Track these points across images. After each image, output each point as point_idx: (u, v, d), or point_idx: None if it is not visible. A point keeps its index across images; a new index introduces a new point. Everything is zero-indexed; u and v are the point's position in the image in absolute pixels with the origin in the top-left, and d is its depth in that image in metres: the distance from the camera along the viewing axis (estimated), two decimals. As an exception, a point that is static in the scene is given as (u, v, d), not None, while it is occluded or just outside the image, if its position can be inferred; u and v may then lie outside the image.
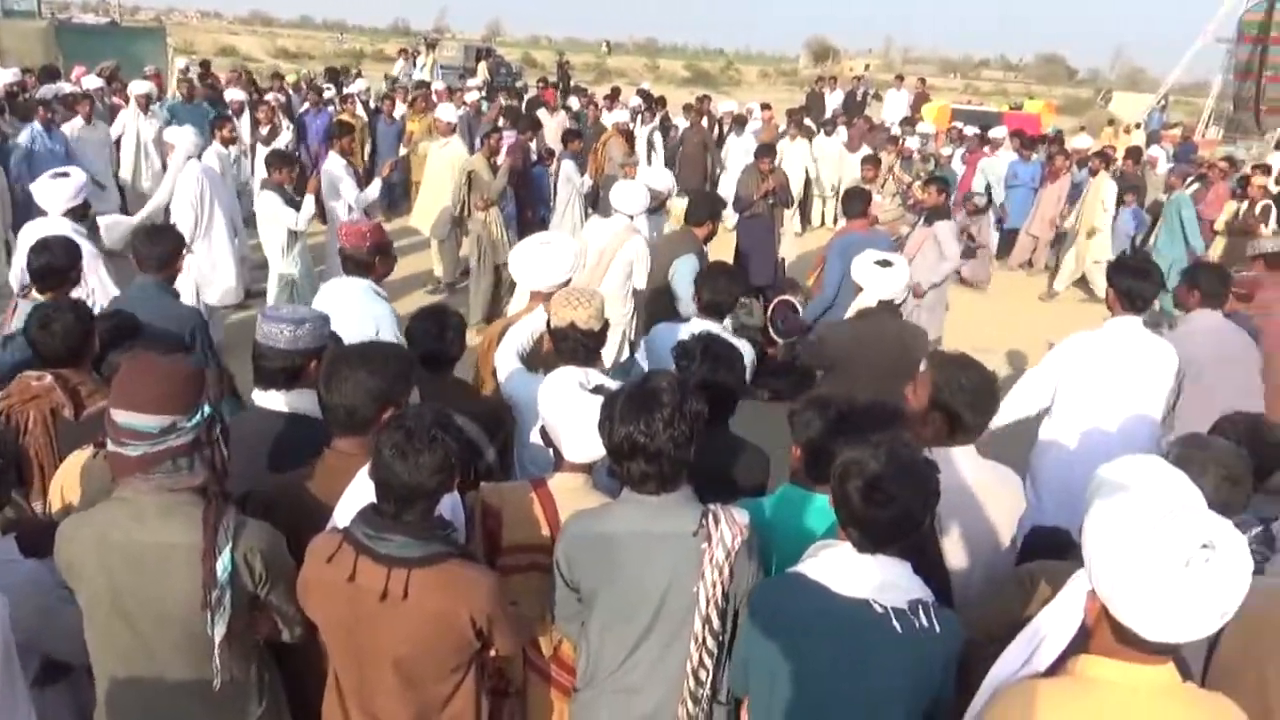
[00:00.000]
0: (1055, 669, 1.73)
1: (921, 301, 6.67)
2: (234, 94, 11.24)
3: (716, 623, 2.16)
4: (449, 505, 2.20)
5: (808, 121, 13.12)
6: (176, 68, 15.33)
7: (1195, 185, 10.72)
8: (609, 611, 2.24)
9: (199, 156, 6.99)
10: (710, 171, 12.46)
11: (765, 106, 14.66)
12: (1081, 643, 1.70)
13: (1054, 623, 1.76)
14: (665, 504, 2.20)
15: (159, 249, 4.09)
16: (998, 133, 12.77)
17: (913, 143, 11.83)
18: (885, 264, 4.29)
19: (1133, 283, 3.79)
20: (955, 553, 2.64)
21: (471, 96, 13.60)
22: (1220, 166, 11.18)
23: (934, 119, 15.99)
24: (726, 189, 11.16)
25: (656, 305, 5.48)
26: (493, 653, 2.25)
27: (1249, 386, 4.19)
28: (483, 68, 23.49)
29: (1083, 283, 10.69)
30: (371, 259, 3.96)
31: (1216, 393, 3.86)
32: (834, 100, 18.83)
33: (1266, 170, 11.11)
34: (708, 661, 2.18)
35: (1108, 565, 1.56)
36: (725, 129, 13.53)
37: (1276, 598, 2.02)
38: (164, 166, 8.63)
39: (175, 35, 28.19)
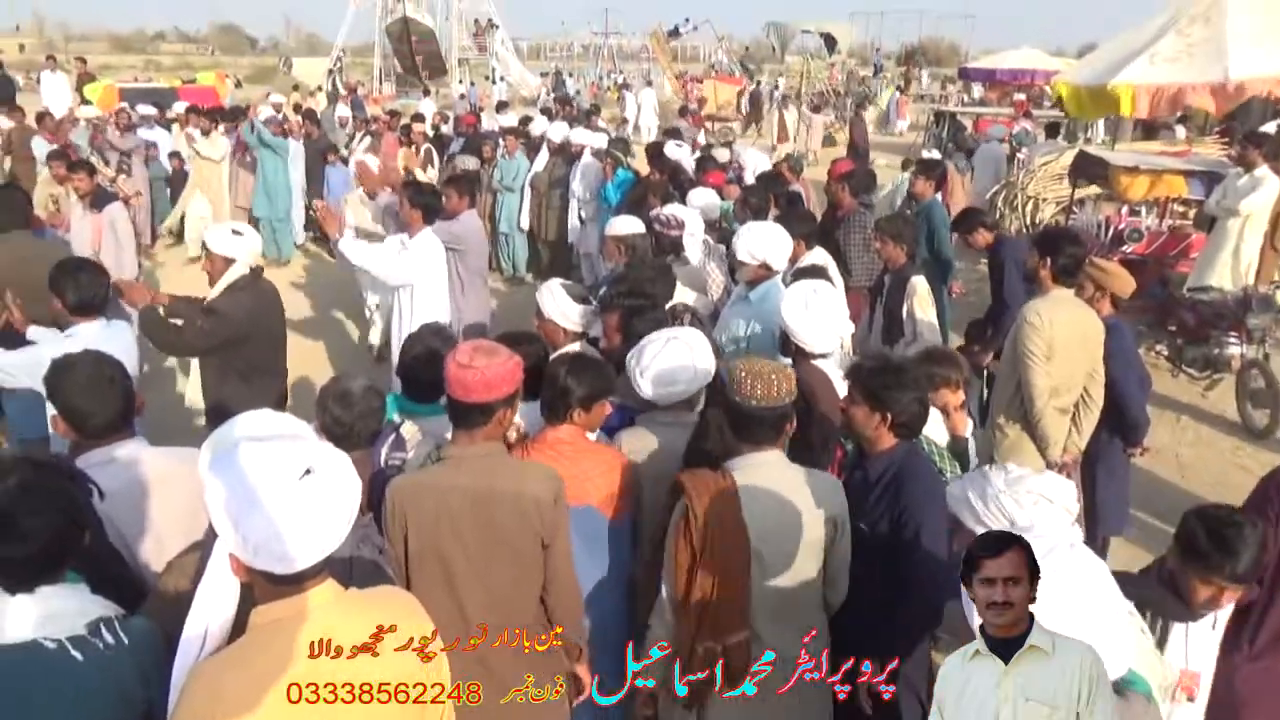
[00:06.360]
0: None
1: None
2: None
3: None
4: None
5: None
6: None
7: (368, 140, 11.85)
8: None
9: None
10: None
11: None
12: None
13: (213, 592, 1.76)
14: None
15: None
16: (178, 108, 12.37)
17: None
18: (237, 234, 4.36)
19: None
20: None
21: None
22: (384, 119, 12.57)
23: (99, 101, 14.61)
24: None
25: None
26: None
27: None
28: None
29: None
30: None
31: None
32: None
33: (421, 118, 12.89)
34: None
35: (225, 519, 1.58)
36: None
37: None
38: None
39: None
